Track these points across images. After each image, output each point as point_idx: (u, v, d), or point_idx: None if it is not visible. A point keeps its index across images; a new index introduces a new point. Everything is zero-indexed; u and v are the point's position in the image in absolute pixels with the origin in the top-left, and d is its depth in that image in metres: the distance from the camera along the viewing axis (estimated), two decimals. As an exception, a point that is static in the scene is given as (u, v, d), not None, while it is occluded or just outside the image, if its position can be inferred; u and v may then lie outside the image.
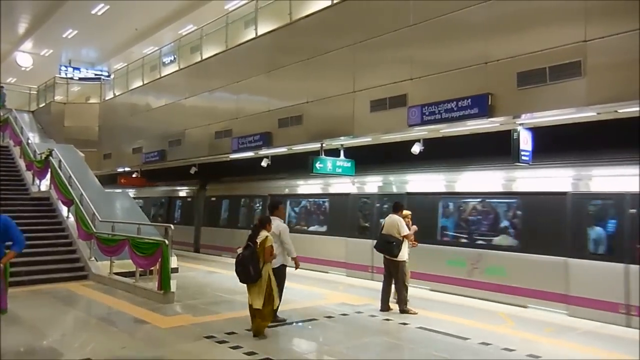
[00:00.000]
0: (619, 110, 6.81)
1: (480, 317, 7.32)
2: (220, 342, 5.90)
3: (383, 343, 6.36)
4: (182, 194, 18.73)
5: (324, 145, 10.87)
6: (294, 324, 7.01)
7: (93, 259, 10.49)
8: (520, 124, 7.59)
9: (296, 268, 7.12)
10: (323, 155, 10.84)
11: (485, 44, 7.67)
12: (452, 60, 8.16)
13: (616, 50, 6.33)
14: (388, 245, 7.58)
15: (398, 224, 7.59)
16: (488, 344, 5.95)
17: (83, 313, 7.97)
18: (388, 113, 9.17)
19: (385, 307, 7.64)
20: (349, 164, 11.18)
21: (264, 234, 6.23)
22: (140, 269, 9.31)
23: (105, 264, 10.07)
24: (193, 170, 16.61)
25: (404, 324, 6.96)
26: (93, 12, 17.85)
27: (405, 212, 8.13)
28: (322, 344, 6.32)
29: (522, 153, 7.49)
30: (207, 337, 6.08)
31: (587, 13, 6.60)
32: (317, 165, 10.57)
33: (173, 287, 8.38)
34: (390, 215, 7.87)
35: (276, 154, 12.70)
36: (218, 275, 11.42)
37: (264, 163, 12.90)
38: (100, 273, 10.00)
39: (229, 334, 6.25)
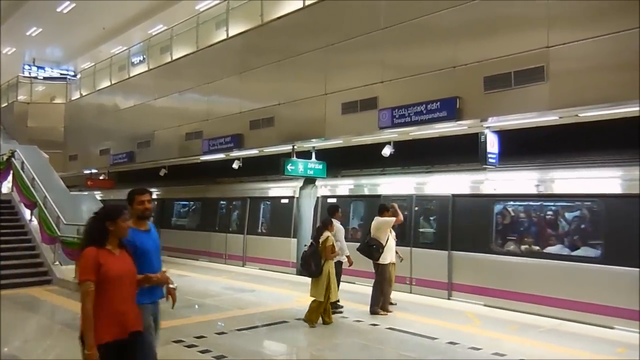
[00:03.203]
0: (579, 115, 7.05)
1: (449, 317, 7.44)
2: (188, 347, 5.82)
3: (353, 344, 6.38)
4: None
5: (295, 147, 10.88)
6: (264, 326, 6.97)
7: (57, 263, 10.22)
8: (487, 127, 7.77)
9: (349, 265, 7.82)
10: (295, 157, 10.84)
11: (454, 48, 7.83)
12: (422, 63, 8.29)
13: (578, 57, 6.56)
14: (369, 249, 7.55)
15: (382, 224, 7.58)
16: (456, 344, 6.05)
17: (46, 319, 7.74)
18: (359, 115, 9.25)
19: (374, 310, 7.54)
20: (320, 166, 11.21)
21: (326, 234, 6.96)
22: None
23: (70, 268, 9.80)
24: (162, 172, 16.34)
25: (375, 325, 7.01)
26: (59, 9, 17.44)
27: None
28: (292, 345, 6.30)
29: (489, 156, 7.66)
30: (176, 342, 5.99)
31: (550, 20, 6.81)
32: (289, 167, 10.57)
33: (141, 291, 8.20)
34: (376, 217, 7.82)
35: (247, 155, 12.64)
36: (188, 278, 11.25)
37: (235, 165, 12.82)
38: (65, 277, 9.73)
39: (198, 337, 6.17)
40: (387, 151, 9.72)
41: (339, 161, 11.62)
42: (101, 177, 19.17)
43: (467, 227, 8.98)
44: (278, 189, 13.08)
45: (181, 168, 16.22)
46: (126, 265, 3.22)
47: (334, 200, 11.25)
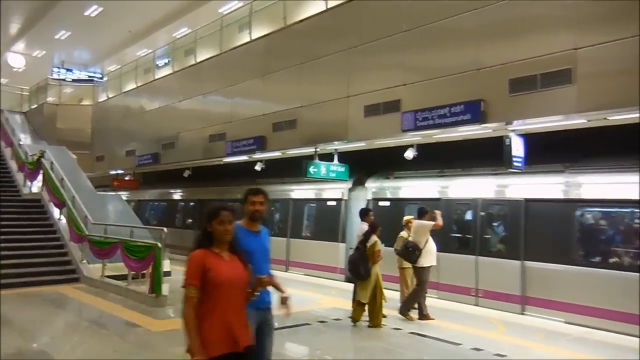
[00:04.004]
0: (608, 118, 6.90)
1: (474, 323, 7.35)
2: (212, 346, 5.88)
3: (374, 348, 6.38)
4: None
5: (317, 149, 10.91)
6: (287, 328, 7.00)
7: (85, 261, 10.43)
8: (512, 130, 7.66)
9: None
10: (317, 160, 10.87)
11: (478, 50, 7.75)
12: (445, 66, 8.23)
13: (606, 58, 6.43)
14: (406, 251, 7.51)
15: (422, 227, 7.51)
16: (480, 350, 5.98)
17: (74, 316, 7.94)
18: (382, 118, 9.22)
19: (422, 316, 7.45)
20: (342, 169, 11.20)
21: (373, 238, 7.06)
22: (132, 272, 9.27)
23: (97, 267, 10.01)
24: (187, 173, 16.56)
25: (397, 329, 6.99)
26: (86, 13, 17.81)
27: (408, 217, 8.27)
28: (314, 348, 6.32)
29: (514, 159, 7.56)
30: (200, 341, 6.06)
31: (579, 21, 6.69)
32: (311, 169, 10.60)
33: (165, 291, 8.35)
34: (416, 220, 7.73)
35: (270, 158, 12.72)
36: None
37: (257, 167, 12.91)
38: (92, 276, 9.94)
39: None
40: (410, 154, 9.67)
41: (387, 161, 11.10)
42: (127, 178, 19.52)
43: (543, 235, 8.20)
44: (324, 191, 12.51)
45: (205, 169, 16.42)
46: (236, 272, 2.93)
47: (386, 203, 10.70)
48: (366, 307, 7.11)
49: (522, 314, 8.05)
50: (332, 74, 10.39)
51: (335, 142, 10.55)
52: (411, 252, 7.43)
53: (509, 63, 7.31)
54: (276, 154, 12.37)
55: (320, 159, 11.00)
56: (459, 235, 9.48)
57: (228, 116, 13.32)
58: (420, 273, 7.46)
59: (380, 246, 7.23)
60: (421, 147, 9.76)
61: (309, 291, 9.79)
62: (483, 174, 9.43)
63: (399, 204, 10.37)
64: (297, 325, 7.07)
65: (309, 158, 10.93)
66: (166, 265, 9.78)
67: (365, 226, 7.49)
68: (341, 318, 7.55)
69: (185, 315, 2.75)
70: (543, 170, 8.51)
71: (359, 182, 11.76)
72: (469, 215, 9.43)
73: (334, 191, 12.21)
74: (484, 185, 9.26)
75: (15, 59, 23.06)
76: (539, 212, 8.30)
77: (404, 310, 7.49)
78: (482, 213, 9.13)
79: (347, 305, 8.39)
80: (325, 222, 12.22)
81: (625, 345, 6.27)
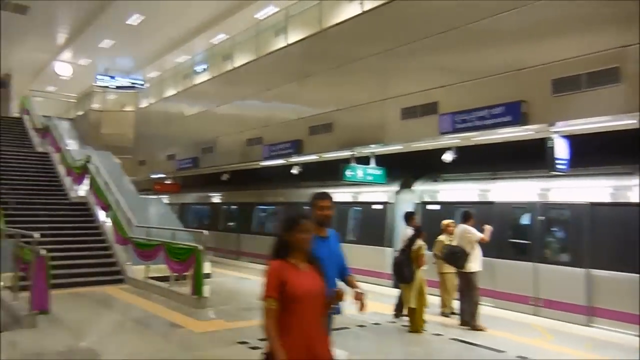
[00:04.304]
0: (659, 118, 6.62)
1: (519, 331, 7.17)
2: (253, 348, 5.98)
3: (414, 353, 6.32)
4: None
5: (354, 153, 10.91)
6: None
7: (129, 263, 10.77)
8: (555, 132, 7.46)
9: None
10: (354, 163, 10.87)
11: (519, 50, 7.59)
12: (484, 67, 8.10)
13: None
14: (453, 256, 7.37)
15: (469, 233, 7.37)
16: (524, 358, 5.84)
17: (120, 316, 8.20)
18: (419, 121, 9.15)
19: (463, 323, 7.33)
20: (379, 172, 11.16)
21: (419, 242, 7.12)
22: (174, 274, 9.51)
23: (140, 268, 10.32)
24: (225, 177, 16.87)
25: (438, 334, 6.90)
26: (129, 22, 18.41)
27: (446, 221, 8.17)
28: (353, 352, 6.32)
29: (557, 162, 7.34)
30: (241, 343, 6.18)
31: (627, 18, 6.45)
32: (348, 173, 10.61)
33: (206, 293, 8.54)
34: (460, 225, 7.63)
35: (307, 161, 12.80)
36: (249, 281, 11.55)
37: (294, 170, 13.01)
38: (136, 277, 10.26)
39: (262, 340, 6.30)
40: (448, 157, 9.54)
41: (431, 164, 10.63)
42: (167, 182, 20.05)
43: (613, 242, 7.64)
44: (369, 194, 12.05)
45: (242, 173, 16.68)
46: (314, 283, 2.83)
47: (436, 207, 10.27)
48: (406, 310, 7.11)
49: (589, 325, 7.50)
50: (368, 76, 10.38)
51: (372, 145, 10.53)
52: (459, 257, 7.26)
53: (551, 63, 7.12)
54: (312, 158, 12.44)
55: (358, 163, 10.99)
56: (515, 240, 8.96)
57: (265, 120, 13.50)
58: (470, 278, 7.28)
59: (426, 251, 7.23)
60: (469, 149, 9.48)
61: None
62: (541, 176, 8.73)
63: (449, 208, 9.84)
64: (335, 329, 7.07)
65: (346, 161, 10.95)
66: (207, 268, 10.00)
67: (409, 230, 7.46)
68: (380, 322, 7.52)
69: (267, 328, 2.71)
70: (610, 173, 7.96)
71: (405, 185, 11.44)
72: (526, 220, 8.94)
73: (379, 194, 11.81)
74: (543, 188, 8.70)
75: (63, 68, 24.06)
76: (607, 216, 7.72)
77: (472, 322, 7.15)
78: (541, 217, 8.58)
79: (387, 309, 8.37)
80: (371, 226, 11.78)
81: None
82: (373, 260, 11.31)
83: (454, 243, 7.56)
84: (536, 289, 8.32)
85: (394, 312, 7.81)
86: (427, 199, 10.72)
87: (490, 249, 8.32)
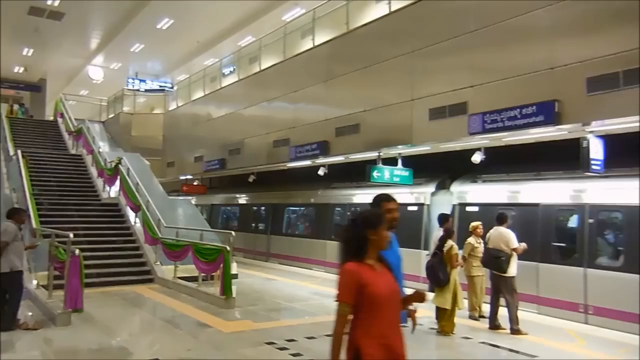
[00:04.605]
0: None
1: (550, 335, 6.99)
2: (281, 349, 6.00)
3: (444, 356, 6.22)
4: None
5: (381, 154, 10.84)
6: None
7: (158, 263, 10.95)
8: (590, 132, 7.24)
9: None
10: (380, 164, 10.80)
11: (552, 48, 7.39)
12: (515, 66, 7.92)
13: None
14: (496, 260, 7.16)
15: (507, 236, 7.21)
16: (557, 363, 5.68)
17: (150, 315, 8.34)
18: (448, 121, 9.02)
19: (493, 325, 7.22)
20: (406, 173, 11.06)
21: (449, 243, 7.08)
22: (202, 274, 9.62)
23: (169, 268, 10.49)
24: (251, 178, 17.00)
25: (467, 338, 6.78)
26: (158, 26, 18.74)
27: (475, 223, 8.02)
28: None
29: (593, 162, 7.13)
30: (268, 343, 6.20)
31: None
32: (375, 174, 10.54)
33: (233, 293, 8.60)
34: (496, 227, 7.42)
35: (333, 162, 12.78)
36: (275, 282, 11.61)
37: (320, 172, 13.01)
38: (165, 277, 10.42)
39: (289, 340, 6.34)
40: (477, 157, 9.38)
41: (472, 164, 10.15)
42: (195, 183, 20.33)
43: None
44: (403, 195, 11.39)
45: (270, 174, 16.79)
46: (391, 285, 2.68)
47: (474, 208, 9.88)
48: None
49: None
50: (395, 77, 10.30)
51: (399, 146, 10.44)
52: (503, 261, 7.06)
53: (586, 61, 6.91)
54: (339, 159, 12.41)
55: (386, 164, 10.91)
56: (562, 244, 8.57)
57: (291, 122, 13.54)
58: (510, 282, 7.10)
59: (457, 250, 7.17)
60: (506, 149, 9.24)
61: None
62: (590, 176, 8.07)
63: (490, 209, 9.22)
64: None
65: (373, 162, 10.89)
66: (234, 268, 10.09)
67: (439, 232, 7.41)
68: (408, 325, 7.40)
69: (335, 332, 2.53)
70: None
71: (441, 186, 11.19)
72: (573, 223, 8.51)
73: (414, 195, 11.54)
74: (592, 189, 8.23)
75: (95, 72, 24.67)
76: None
77: (515, 326, 6.96)
78: (591, 220, 8.12)
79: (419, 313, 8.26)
80: (406, 228, 10.80)
81: None
82: (408, 263, 10.98)
83: (490, 246, 7.34)
84: (585, 295, 7.89)
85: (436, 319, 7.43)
86: (465, 200, 10.32)
87: (534, 253, 8.14)
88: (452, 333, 6.87)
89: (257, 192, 17.90)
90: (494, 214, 7.88)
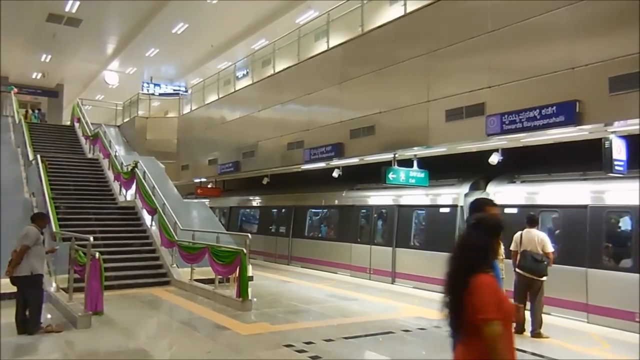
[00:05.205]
0: None
1: (572, 338, 6.87)
2: (299, 351, 5.97)
3: None
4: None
5: (396, 155, 10.78)
6: (370, 336, 6.94)
7: (175, 265, 11.00)
8: (612, 132, 7.12)
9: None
10: (396, 166, 10.74)
11: (572, 48, 7.29)
12: (534, 66, 7.83)
13: None
14: (538, 264, 6.92)
15: (544, 239, 7.01)
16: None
17: (168, 317, 8.38)
18: (464, 122, 8.95)
19: (520, 329, 6.98)
20: (422, 175, 10.98)
21: None
22: (219, 276, 9.64)
23: (186, 271, 10.53)
24: (265, 181, 17.02)
25: (486, 341, 6.69)
26: (173, 31, 18.91)
27: None
28: (399, 358, 6.20)
29: (616, 163, 7.01)
30: (287, 346, 6.18)
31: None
32: (390, 175, 10.49)
33: (250, 295, 8.60)
34: (527, 229, 7.15)
35: (348, 164, 12.75)
36: (290, 284, 11.59)
37: (335, 174, 12.98)
38: (182, 279, 10.46)
39: (307, 343, 6.31)
40: (494, 159, 9.28)
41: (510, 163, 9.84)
42: (209, 186, 20.42)
43: None
44: (435, 197, 11.39)
45: (282, 176, 16.80)
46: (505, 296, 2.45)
47: (514, 210, 9.30)
48: None
49: None
50: (411, 78, 10.25)
51: (415, 148, 10.37)
52: (545, 265, 6.87)
53: (609, 60, 6.80)
54: (354, 161, 12.38)
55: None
56: (614, 249, 8.05)
57: (306, 124, 13.55)
58: (542, 286, 6.96)
59: (501, 256, 6.95)
60: (548, 147, 8.90)
61: (390, 299, 9.66)
62: None
63: (531, 212, 8.30)
64: (380, 334, 6.99)
65: (388, 164, 10.84)
66: (249, 271, 10.09)
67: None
68: (426, 327, 7.37)
69: (499, 355, 2.26)
70: None
71: (475, 187, 10.74)
72: (626, 226, 8.01)
73: (447, 197, 11.10)
74: None
75: (111, 77, 24.96)
76: None
77: (538, 329, 6.87)
78: None
79: (432, 315, 8.17)
80: (438, 230, 10.90)
81: None
82: (441, 267, 10.36)
83: (528, 248, 7.05)
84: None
85: None
86: (503, 202, 9.57)
87: (583, 258, 7.87)
88: None
89: (279, 194, 17.49)
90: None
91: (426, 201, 11.69)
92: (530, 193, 9.49)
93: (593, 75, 6.98)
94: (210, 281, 9.89)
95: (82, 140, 19.19)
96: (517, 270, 7.13)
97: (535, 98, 7.70)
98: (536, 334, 6.84)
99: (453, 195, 10.97)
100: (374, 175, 11.03)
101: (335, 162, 12.71)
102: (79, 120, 20.48)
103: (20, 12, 16.98)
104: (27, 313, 6.62)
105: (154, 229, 12.35)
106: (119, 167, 14.76)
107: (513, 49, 8.28)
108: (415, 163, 11.00)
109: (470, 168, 11.12)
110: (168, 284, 10.67)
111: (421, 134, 9.88)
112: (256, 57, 17.77)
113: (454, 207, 10.84)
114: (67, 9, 17.21)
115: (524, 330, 7.00)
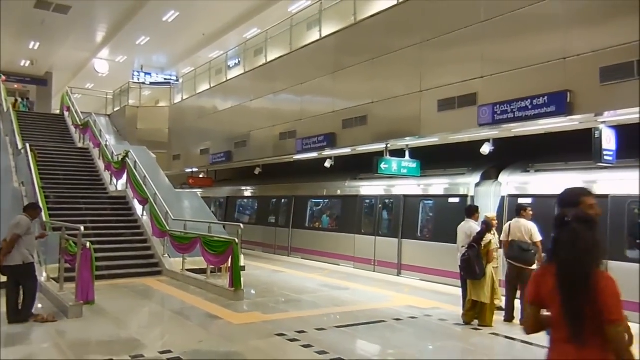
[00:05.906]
0: None
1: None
2: (291, 340, 6.00)
3: (455, 348, 6.22)
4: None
5: (388, 145, 10.78)
6: (362, 325, 6.99)
7: (166, 255, 10.98)
8: (602, 122, 7.17)
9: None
10: (388, 156, 10.75)
11: (564, 38, 7.31)
12: (527, 56, 7.83)
13: None
14: (525, 253, 6.98)
15: (531, 229, 7.03)
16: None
17: (160, 307, 8.37)
18: (457, 112, 8.96)
19: (509, 317, 7.14)
20: (414, 165, 11.00)
21: (488, 237, 6.99)
22: (211, 266, 9.64)
23: (177, 261, 10.51)
24: (257, 170, 16.98)
25: (477, 329, 6.77)
26: (164, 19, 18.66)
27: (491, 215, 7.70)
28: (392, 346, 6.26)
29: (605, 153, 7.07)
30: (279, 335, 6.20)
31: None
32: (382, 165, 10.49)
33: (242, 285, 8.61)
34: (516, 219, 7.20)
35: (340, 154, 12.74)
36: (282, 274, 11.62)
37: (327, 164, 12.97)
38: (174, 269, 10.44)
39: (299, 332, 6.34)
40: (486, 149, 9.32)
41: (521, 151, 9.80)
42: (201, 176, 20.33)
43: None
44: (443, 186, 11.01)
45: (274, 167, 16.75)
46: None
47: (528, 200, 8.83)
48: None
49: None
50: (404, 68, 10.23)
51: (407, 138, 10.38)
52: (533, 254, 6.92)
53: (600, 50, 6.83)
54: (346, 151, 12.37)
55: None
56: (637, 240, 7.68)
57: (298, 114, 13.50)
58: (530, 274, 7.01)
59: (495, 245, 7.14)
60: (563, 135, 8.51)
61: (381, 288, 9.72)
62: None
63: (547, 202, 8.15)
64: (371, 323, 7.04)
65: (380, 154, 10.84)
66: (241, 261, 10.10)
67: (472, 224, 7.34)
68: (417, 316, 7.43)
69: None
70: None
71: (487, 176, 10.32)
72: None
73: (456, 187, 10.68)
74: None
75: (101, 65, 24.64)
76: None
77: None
78: None
79: (423, 303, 8.28)
80: (447, 221, 10.24)
81: None
82: (449, 259, 9.38)
83: (512, 238, 7.11)
84: None
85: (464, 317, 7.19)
86: (517, 192, 9.31)
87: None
88: (492, 325, 6.84)
89: (277, 184, 17.04)
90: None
91: (434, 191, 11.33)
92: (545, 182, 9.01)
93: (584, 66, 7.00)
94: (202, 271, 9.89)
95: (72, 129, 18.98)
96: (507, 259, 7.24)
97: (527, 88, 7.72)
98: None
99: (463, 185, 10.59)
100: (367, 166, 10.97)
101: (328, 152, 12.69)
102: (68, 109, 20.24)
103: (6, -1, 16.68)
104: (19, 302, 6.60)
105: (145, 218, 12.30)
106: (110, 157, 14.63)
107: (505, 39, 8.29)
108: (407, 153, 11.01)
109: (479, 157, 10.32)
110: (160, 274, 10.66)
111: (413, 124, 9.89)
112: (248, 46, 17.63)
113: (464, 197, 10.44)
114: (55, -4, 16.93)
115: (513, 318, 7.09)
